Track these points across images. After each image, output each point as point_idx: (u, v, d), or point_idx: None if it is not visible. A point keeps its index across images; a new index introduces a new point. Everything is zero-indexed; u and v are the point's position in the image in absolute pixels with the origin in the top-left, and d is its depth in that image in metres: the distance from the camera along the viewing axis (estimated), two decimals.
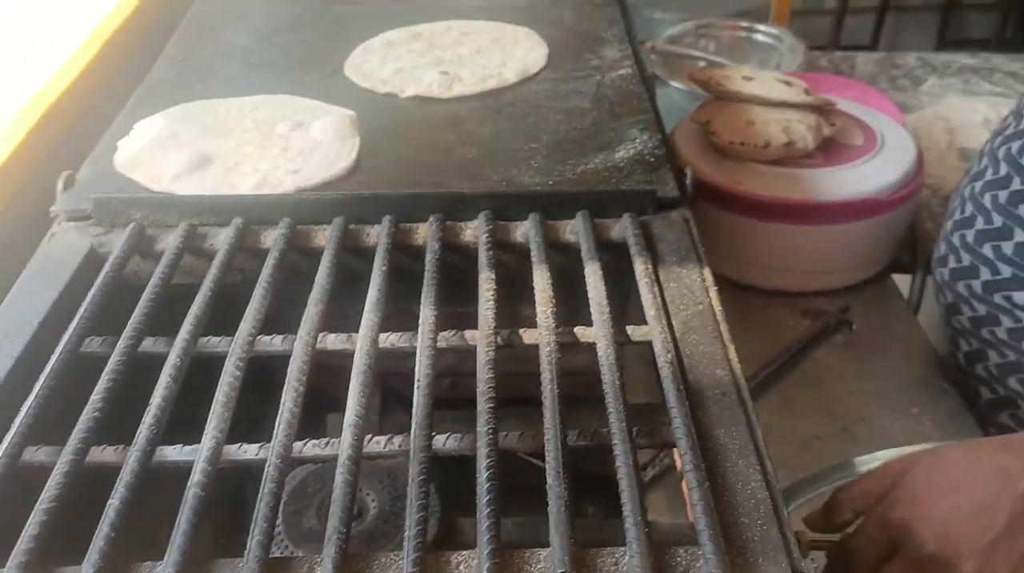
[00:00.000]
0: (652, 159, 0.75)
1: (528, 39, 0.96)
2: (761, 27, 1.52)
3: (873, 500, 0.63)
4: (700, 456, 0.49)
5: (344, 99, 0.85)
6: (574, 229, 0.67)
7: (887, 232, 1.06)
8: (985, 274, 0.90)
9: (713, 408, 0.53)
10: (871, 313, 1.05)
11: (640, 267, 0.63)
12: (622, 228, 0.67)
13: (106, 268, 0.64)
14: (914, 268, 1.13)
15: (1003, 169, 0.89)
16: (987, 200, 0.90)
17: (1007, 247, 0.87)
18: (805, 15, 2.93)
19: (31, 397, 0.54)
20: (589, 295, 0.61)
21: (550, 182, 0.72)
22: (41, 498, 0.47)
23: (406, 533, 0.45)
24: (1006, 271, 0.87)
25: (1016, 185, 0.86)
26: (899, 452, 0.74)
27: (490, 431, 0.51)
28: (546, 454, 0.49)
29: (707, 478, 0.48)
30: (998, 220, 0.88)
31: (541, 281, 0.62)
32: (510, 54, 0.92)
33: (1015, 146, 0.88)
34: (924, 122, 1.41)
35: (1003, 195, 0.88)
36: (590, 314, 0.60)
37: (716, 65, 1.40)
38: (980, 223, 0.91)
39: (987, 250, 0.89)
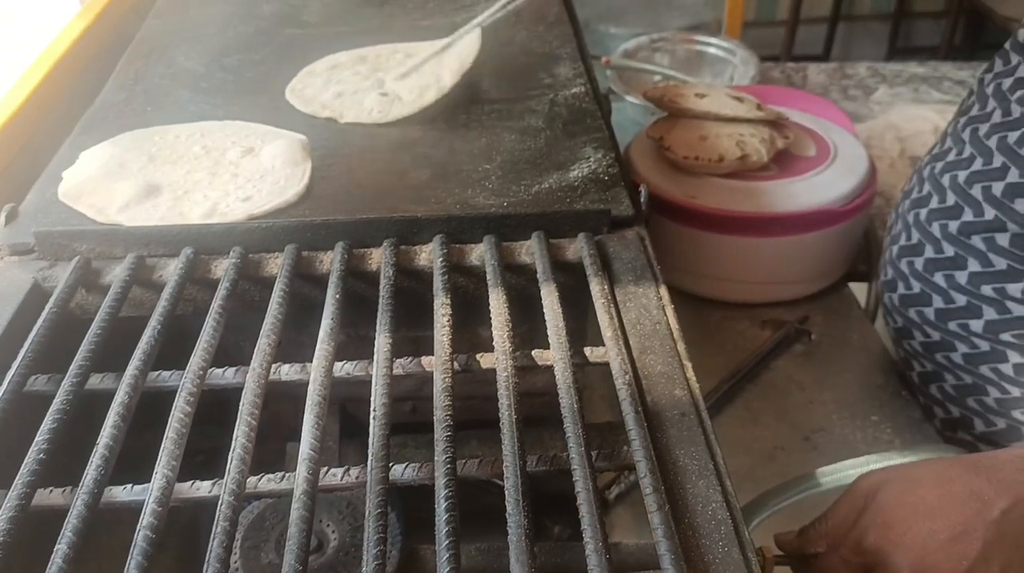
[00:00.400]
0: (606, 178, 0.75)
1: (460, 40, 0.96)
2: (714, 40, 1.54)
3: (846, 525, 0.63)
4: (660, 478, 0.49)
5: (294, 123, 0.84)
6: (530, 250, 0.67)
7: (843, 242, 1.07)
8: (938, 302, 0.88)
9: (672, 429, 0.53)
10: (830, 322, 1.06)
11: (596, 288, 0.63)
12: (577, 248, 0.67)
13: (50, 303, 0.62)
14: (870, 277, 1.14)
15: (950, 198, 0.87)
16: (935, 229, 0.88)
17: (961, 277, 0.85)
18: (758, 26, 2.98)
19: None
20: (546, 317, 0.60)
21: (504, 203, 0.72)
22: None
23: (363, 569, 0.44)
24: (960, 300, 0.86)
25: (968, 216, 0.84)
26: (863, 461, 0.74)
27: (448, 461, 0.50)
28: (505, 482, 0.49)
29: (667, 501, 0.47)
30: (949, 250, 0.86)
31: (497, 304, 0.61)
32: (442, 60, 0.92)
33: (961, 175, 0.85)
34: (875, 131, 1.43)
35: (953, 225, 0.86)
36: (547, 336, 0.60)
37: (671, 80, 1.41)
38: (930, 252, 0.89)
39: (939, 278, 0.88)
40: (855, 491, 0.64)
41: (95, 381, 0.57)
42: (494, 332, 0.59)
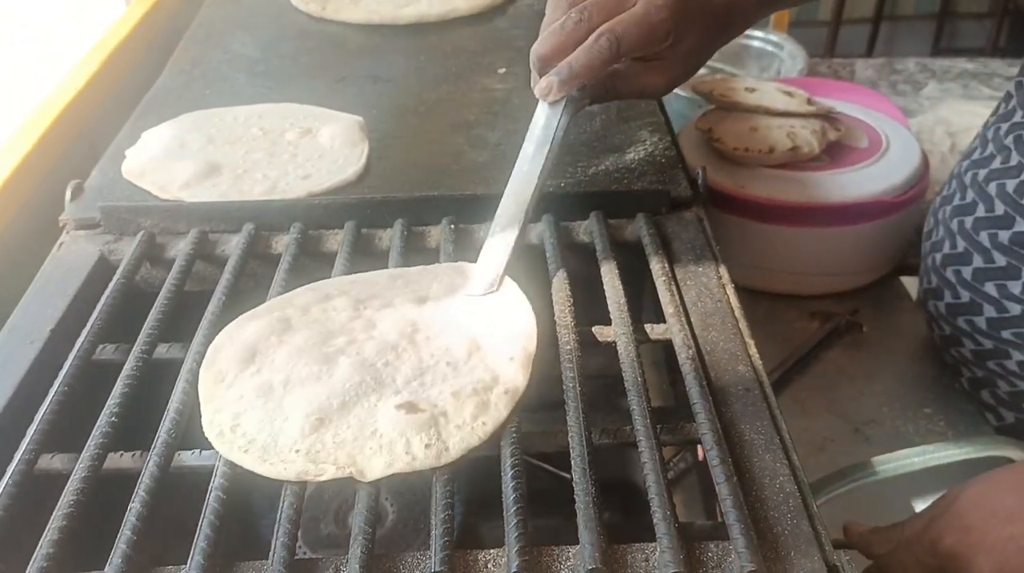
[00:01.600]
0: (663, 160, 0.74)
1: None
2: (761, 34, 1.53)
3: (922, 525, 0.62)
4: (726, 451, 0.48)
5: (351, 107, 0.84)
6: (588, 229, 0.67)
7: (894, 234, 1.06)
8: (990, 311, 0.86)
9: (736, 404, 0.53)
10: (880, 315, 1.05)
11: (656, 266, 0.63)
12: (636, 228, 0.67)
13: (117, 275, 0.63)
14: (920, 272, 1.13)
15: (999, 207, 0.85)
16: (984, 238, 0.86)
17: (1015, 286, 0.83)
18: (799, 25, 2.95)
19: (46, 403, 0.53)
20: (606, 294, 0.60)
21: (562, 183, 0.72)
22: (59, 505, 0.47)
23: (433, 531, 0.45)
24: (1015, 309, 0.84)
25: (1020, 226, 0.82)
26: (919, 450, 0.73)
27: (513, 430, 0.50)
28: (571, 452, 0.49)
29: (734, 473, 0.47)
30: (1001, 259, 0.84)
31: (558, 281, 0.61)
32: None
33: (1010, 184, 0.83)
34: (925, 126, 1.41)
35: (1004, 235, 0.84)
36: (604, 315, 0.60)
37: (718, 74, 1.40)
38: (979, 261, 0.87)
39: (990, 288, 0.86)
40: (938, 500, 0.63)
41: (162, 350, 0.58)
42: (555, 308, 0.59)
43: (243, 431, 0.49)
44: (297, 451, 0.47)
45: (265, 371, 0.52)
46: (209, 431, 0.50)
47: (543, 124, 0.63)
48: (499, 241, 0.62)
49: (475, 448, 0.49)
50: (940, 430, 0.90)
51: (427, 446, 0.48)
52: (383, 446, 0.48)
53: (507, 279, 0.60)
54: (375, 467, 0.47)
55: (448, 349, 0.54)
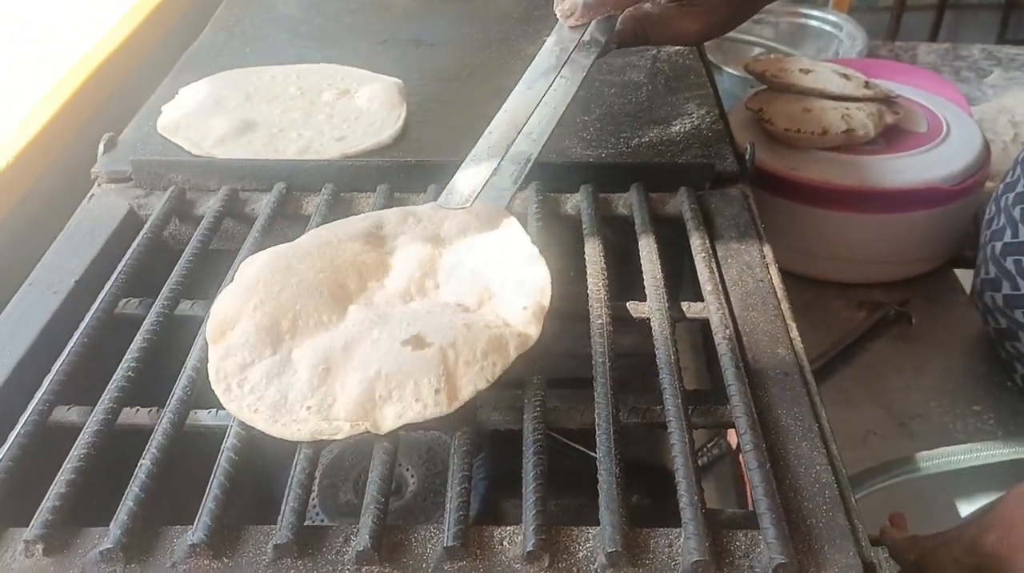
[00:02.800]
0: (709, 133, 0.72)
1: None
2: (819, 13, 1.48)
3: (962, 525, 0.59)
4: (760, 436, 0.46)
5: (390, 68, 0.82)
6: (627, 202, 0.65)
7: (950, 223, 1.02)
8: None
9: (774, 388, 0.50)
10: (931, 307, 1.01)
11: (697, 242, 0.60)
12: (678, 202, 0.64)
13: (144, 230, 0.62)
14: (977, 262, 1.08)
15: None
16: None
17: None
18: (861, 10, 2.87)
19: (63, 355, 0.52)
20: (643, 269, 0.58)
21: (603, 154, 0.70)
22: (70, 457, 0.46)
23: (447, 505, 0.43)
24: None
25: None
26: (966, 448, 0.70)
27: (538, 405, 0.48)
28: (596, 429, 0.47)
29: (768, 459, 0.45)
30: None
31: (593, 253, 0.59)
32: None
33: None
34: (988, 114, 1.36)
35: None
36: (641, 291, 0.57)
37: (773, 53, 1.36)
38: None
39: None
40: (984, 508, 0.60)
41: (185, 306, 0.57)
42: (589, 281, 0.57)
43: (251, 386, 0.47)
44: (308, 408, 0.46)
45: (268, 308, 0.50)
46: (216, 384, 0.48)
47: (556, 52, 0.59)
48: (484, 159, 0.59)
49: (483, 391, 0.47)
50: (989, 429, 0.86)
51: (436, 391, 0.46)
52: (392, 392, 0.46)
53: (516, 225, 0.57)
54: (387, 417, 0.45)
55: (458, 294, 0.52)
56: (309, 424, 0.45)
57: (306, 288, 0.51)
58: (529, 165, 0.59)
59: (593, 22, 0.62)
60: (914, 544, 0.61)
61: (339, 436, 0.46)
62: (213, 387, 0.48)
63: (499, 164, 0.58)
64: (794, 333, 0.54)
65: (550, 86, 0.60)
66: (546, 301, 0.52)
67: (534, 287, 0.52)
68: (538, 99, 0.59)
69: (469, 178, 0.58)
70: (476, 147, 0.60)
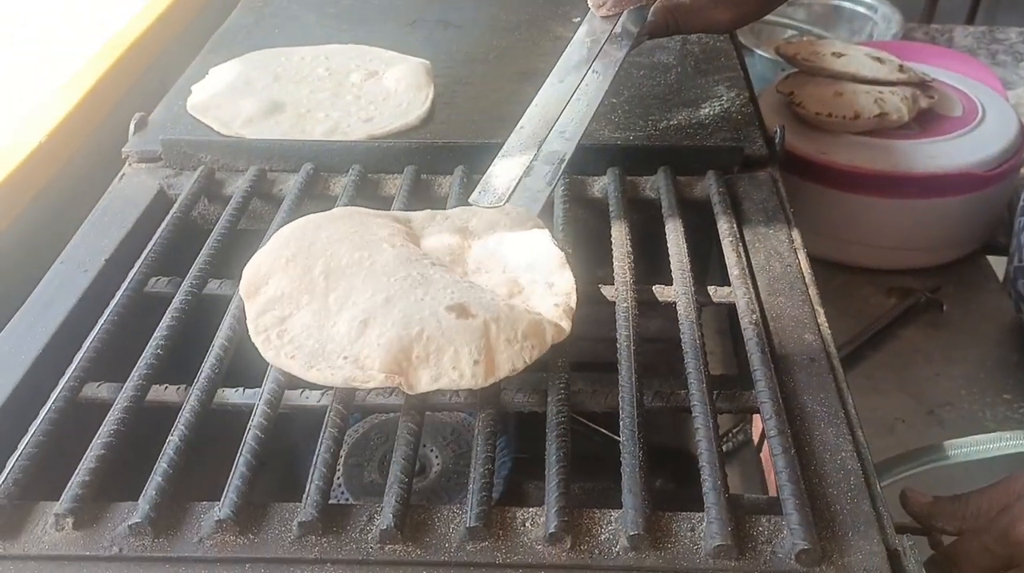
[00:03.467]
0: (739, 116, 0.71)
1: None
2: None
3: (993, 512, 0.58)
4: (786, 422, 0.46)
5: (418, 50, 0.82)
6: (654, 185, 0.64)
7: (984, 209, 1.00)
8: None
9: (800, 374, 0.50)
10: (963, 294, 0.99)
11: (724, 226, 0.60)
12: (705, 186, 0.64)
13: (174, 210, 0.63)
14: (1011, 249, 1.07)
15: None
16: None
17: None
18: None
19: (93, 332, 0.53)
20: (670, 252, 0.57)
21: (631, 137, 0.69)
22: (99, 433, 0.46)
23: (470, 485, 0.43)
24: None
25: None
26: (996, 437, 0.69)
27: (562, 387, 0.48)
28: (620, 412, 0.47)
29: (793, 445, 0.44)
30: None
31: (619, 236, 0.59)
32: None
33: None
34: None
35: None
36: (667, 275, 0.57)
37: (805, 35, 1.34)
38: None
39: None
40: (1008, 481, 0.59)
41: (213, 286, 0.57)
42: (615, 264, 0.56)
43: (290, 337, 0.47)
44: (345, 358, 0.46)
45: (300, 259, 0.51)
46: (256, 336, 0.48)
47: (588, 43, 0.59)
48: (516, 154, 0.58)
49: (520, 372, 0.47)
50: (1020, 417, 0.85)
51: (475, 362, 0.46)
52: (430, 355, 0.46)
53: (546, 233, 0.56)
54: (421, 379, 0.46)
55: (488, 284, 0.52)
56: (344, 371, 0.46)
57: (337, 238, 0.52)
58: (563, 165, 0.59)
59: (625, 12, 0.62)
60: (942, 509, 0.61)
61: (371, 384, 0.46)
62: (253, 340, 0.48)
63: (532, 163, 0.58)
64: (822, 319, 0.54)
65: (582, 80, 0.60)
66: (574, 303, 0.52)
67: (562, 290, 0.52)
68: (570, 93, 0.59)
69: (502, 175, 0.58)
70: (507, 142, 0.59)
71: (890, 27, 1.37)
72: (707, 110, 0.72)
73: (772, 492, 0.62)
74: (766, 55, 1.29)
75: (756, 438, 0.73)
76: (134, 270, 0.57)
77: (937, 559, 0.60)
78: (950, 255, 1.03)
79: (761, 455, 0.66)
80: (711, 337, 0.79)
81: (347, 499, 0.59)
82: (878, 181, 0.96)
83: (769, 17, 1.41)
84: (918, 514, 0.60)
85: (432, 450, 0.60)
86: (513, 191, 0.57)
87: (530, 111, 0.60)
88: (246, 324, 0.50)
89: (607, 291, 0.55)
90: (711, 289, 0.56)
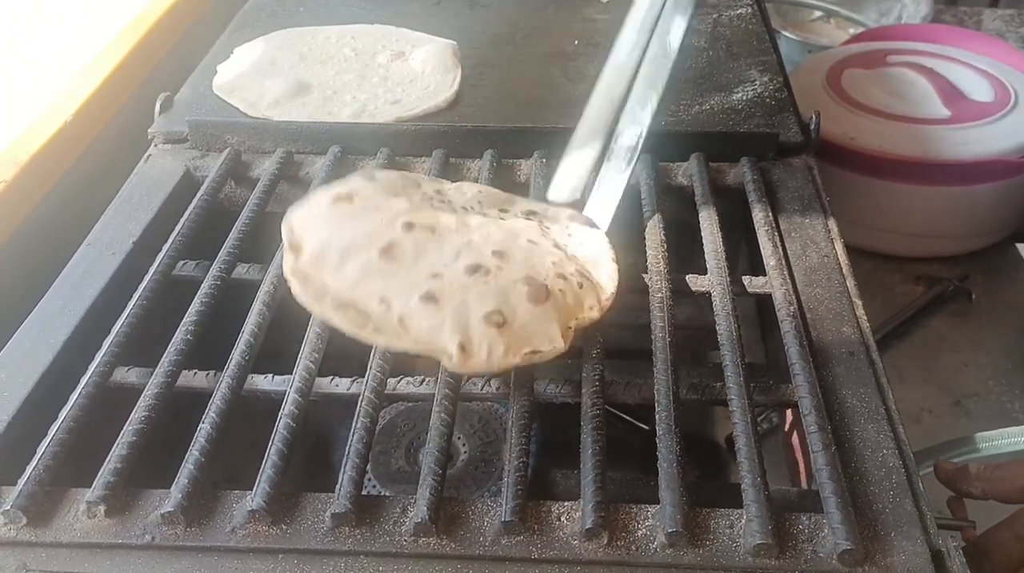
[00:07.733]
0: (773, 102, 0.70)
1: None
2: None
3: (1019, 479, 0.57)
4: (825, 417, 0.45)
5: (445, 30, 0.81)
6: (687, 172, 0.63)
7: (1015, 197, 0.98)
8: None
9: (839, 368, 0.49)
10: (992, 283, 0.98)
11: (759, 214, 0.59)
12: (739, 173, 0.63)
13: (201, 192, 0.62)
14: None
15: None
16: None
17: None
18: None
19: (123, 317, 0.52)
20: (704, 241, 0.56)
21: (662, 122, 0.68)
22: (130, 419, 0.46)
23: (505, 479, 0.42)
24: None
25: None
26: None
27: (597, 379, 0.47)
28: (656, 406, 0.46)
29: (833, 441, 0.44)
30: None
31: (652, 225, 0.58)
32: None
33: None
34: None
35: None
36: (699, 263, 0.56)
37: (832, 17, 1.32)
38: None
39: None
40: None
41: (241, 270, 0.56)
42: (648, 252, 0.56)
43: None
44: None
45: (343, 208, 0.51)
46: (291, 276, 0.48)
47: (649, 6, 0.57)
48: (586, 144, 0.57)
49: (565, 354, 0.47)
50: None
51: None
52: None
53: (605, 240, 0.55)
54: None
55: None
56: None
57: (381, 189, 0.52)
58: (635, 157, 0.58)
59: None
60: (972, 474, 0.60)
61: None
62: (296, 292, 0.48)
63: (603, 151, 0.57)
64: (860, 311, 0.53)
65: (644, 54, 0.58)
66: (610, 297, 0.51)
67: (600, 281, 0.51)
68: (633, 70, 0.57)
69: (574, 168, 0.57)
70: (576, 131, 0.58)
71: (919, 9, 1.34)
72: (740, 95, 0.71)
73: (803, 482, 0.61)
74: (792, 37, 1.27)
75: (787, 426, 0.73)
76: (162, 253, 0.57)
77: (969, 550, 0.60)
78: (979, 243, 1.01)
79: (792, 442, 0.66)
80: None
81: (374, 486, 0.58)
82: (907, 167, 0.94)
83: None
84: (946, 479, 0.60)
85: (459, 437, 0.60)
86: (586, 186, 0.57)
87: (595, 94, 0.59)
88: (275, 310, 0.50)
89: (644, 279, 0.54)
90: (746, 279, 0.55)
